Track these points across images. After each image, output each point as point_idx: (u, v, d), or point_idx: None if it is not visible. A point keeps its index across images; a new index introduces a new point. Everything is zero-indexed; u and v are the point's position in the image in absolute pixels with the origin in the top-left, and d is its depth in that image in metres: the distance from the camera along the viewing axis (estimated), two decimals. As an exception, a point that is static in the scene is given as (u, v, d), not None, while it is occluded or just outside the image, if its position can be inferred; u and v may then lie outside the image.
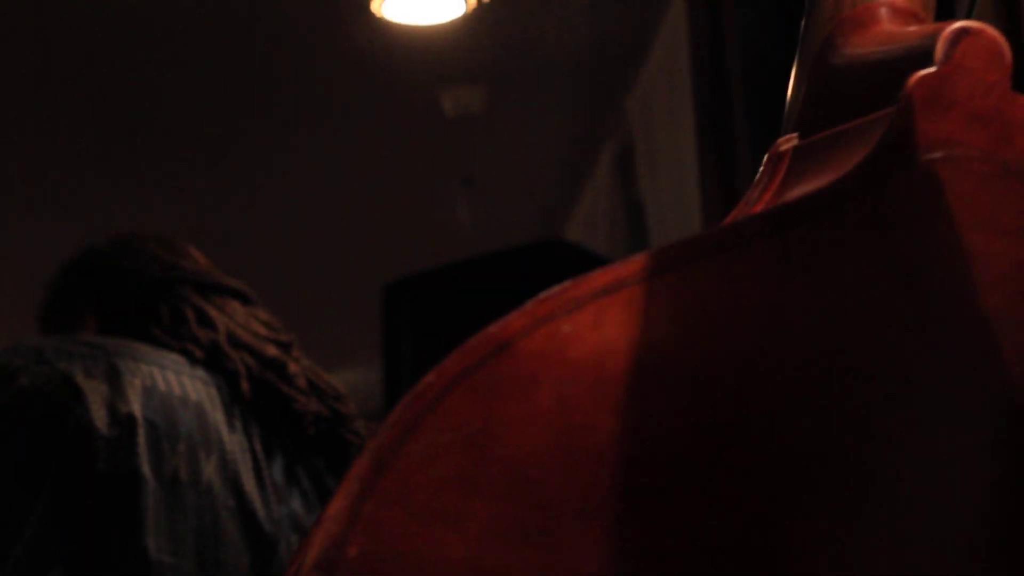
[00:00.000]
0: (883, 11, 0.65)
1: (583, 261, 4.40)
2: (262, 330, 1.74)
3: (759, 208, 0.63)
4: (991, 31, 0.57)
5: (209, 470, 1.52)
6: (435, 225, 5.67)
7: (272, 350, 1.69)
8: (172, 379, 1.56)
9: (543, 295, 0.54)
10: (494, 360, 0.53)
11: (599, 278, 0.54)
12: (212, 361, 1.64)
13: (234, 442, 1.56)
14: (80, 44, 4.54)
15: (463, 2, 3.59)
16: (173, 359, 1.60)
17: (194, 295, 1.74)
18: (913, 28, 0.63)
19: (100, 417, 1.44)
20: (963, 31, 0.57)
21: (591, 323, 0.54)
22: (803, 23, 0.68)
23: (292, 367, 1.68)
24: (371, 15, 3.57)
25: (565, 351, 0.53)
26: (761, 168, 0.64)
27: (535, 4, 4.34)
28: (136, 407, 1.47)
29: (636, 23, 4.56)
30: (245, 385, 1.62)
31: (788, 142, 0.65)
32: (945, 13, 0.88)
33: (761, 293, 0.54)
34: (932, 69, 0.57)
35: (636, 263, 0.54)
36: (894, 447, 0.55)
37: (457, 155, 5.28)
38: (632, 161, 5.04)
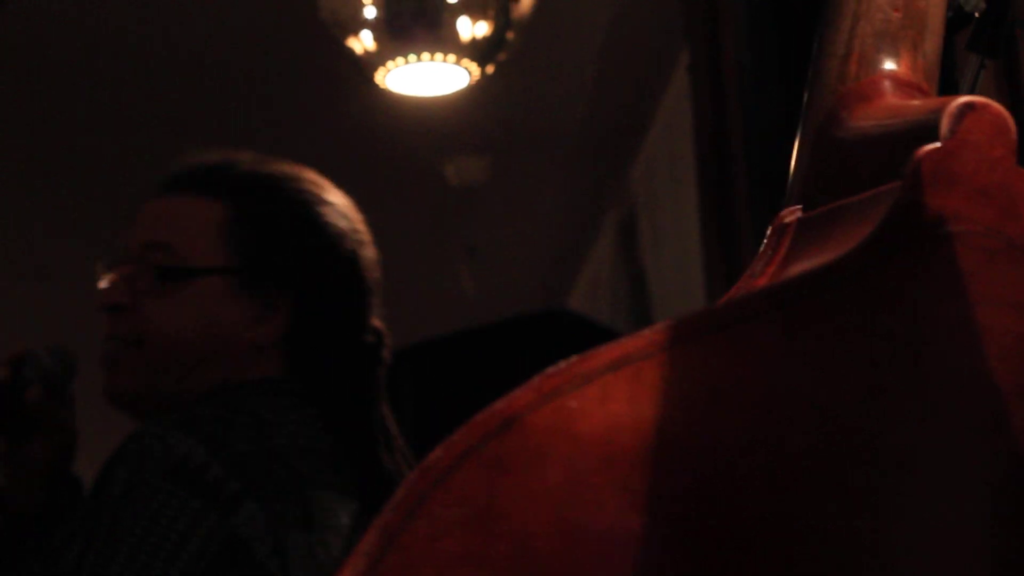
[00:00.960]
0: (887, 84, 0.66)
1: (586, 331, 4.41)
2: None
3: (763, 281, 0.63)
4: (996, 106, 0.58)
5: None
6: (438, 294, 5.67)
7: None
8: (347, 520, 1.44)
9: (550, 370, 0.54)
10: (501, 435, 0.53)
11: (605, 354, 0.54)
12: None
13: None
14: (79, 113, 4.57)
15: (466, 73, 3.61)
16: (354, 496, 1.47)
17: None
18: (917, 102, 0.64)
19: None
20: (968, 106, 0.57)
21: (598, 399, 0.54)
22: (805, 95, 0.68)
23: None
24: (375, 86, 3.59)
25: (572, 426, 0.53)
26: (765, 240, 0.64)
27: (538, 75, 4.37)
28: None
29: (638, 94, 4.59)
30: None
31: (792, 214, 0.65)
32: (949, 88, 0.88)
33: (765, 369, 0.54)
34: (937, 144, 0.57)
35: (642, 338, 0.54)
36: (899, 523, 0.54)
37: (460, 225, 5.30)
38: (635, 231, 5.05)
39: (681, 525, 0.53)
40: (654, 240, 4.77)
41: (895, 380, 0.54)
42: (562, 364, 0.54)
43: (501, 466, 0.53)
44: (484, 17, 3.53)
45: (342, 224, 1.62)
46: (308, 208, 1.61)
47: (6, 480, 1.64)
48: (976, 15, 0.80)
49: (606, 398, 0.54)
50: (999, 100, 0.94)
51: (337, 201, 1.64)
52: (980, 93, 0.90)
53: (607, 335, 4.50)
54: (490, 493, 0.53)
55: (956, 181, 0.56)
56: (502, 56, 3.59)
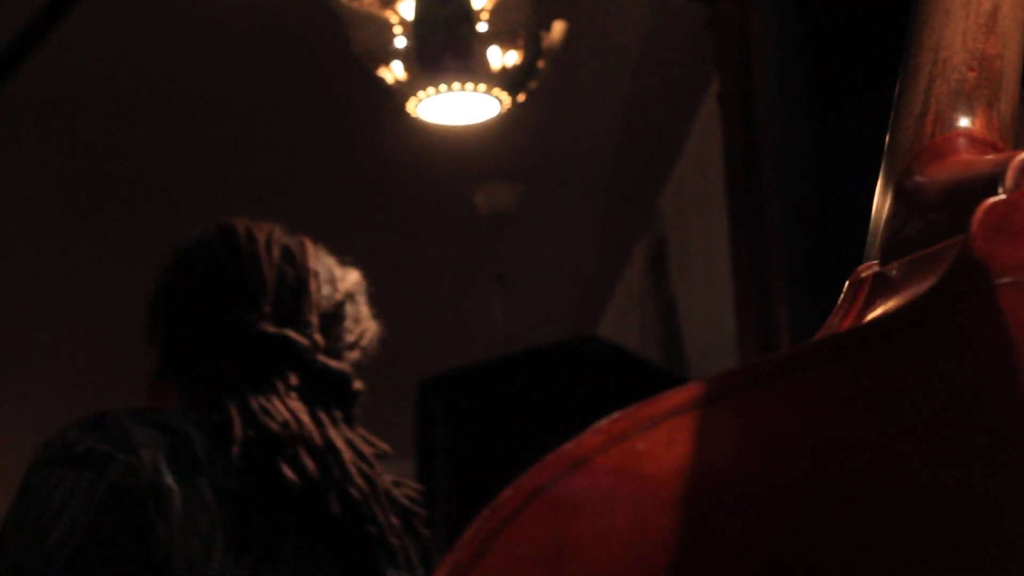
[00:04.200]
0: (961, 142, 0.67)
1: (615, 359, 4.41)
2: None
3: (838, 335, 0.65)
4: (1062, 159, 0.59)
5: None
6: (468, 322, 5.69)
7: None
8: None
9: (617, 414, 0.55)
10: (570, 476, 0.54)
11: (673, 398, 0.55)
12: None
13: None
14: (115, 150, 4.61)
15: (497, 102, 3.63)
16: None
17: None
18: (989, 157, 0.65)
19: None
20: (1034, 159, 0.59)
21: (665, 441, 0.55)
22: (884, 154, 0.70)
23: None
24: (406, 116, 3.61)
25: (640, 468, 0.54)
26: (842, 295, 0.66)
27: (568, 104, 4.39)
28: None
29: (668, 122, 4.61)
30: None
31: (868, 269, 0.67)
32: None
33: (829, 415, 0.55)
34: (1002, 196, 0.58)
35: (709, 383, 0.56)
36: (961, 569, 0.55)
37: (490, 253, 5.31)
38: (664, 259, 5.06)
39: (744, 566, 0.54)
40: (684, 268, 4.78)
41: (957, 427, 0.55)
42: (630, 408, 0.55)
43: (570, 506, 0.54)
44: (514, 46, 3.55)
45: (197, 259, 1.70)
46: (171, 262, 1.72)
47: None
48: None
49: (672, 441, 0.55)
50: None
51: (214, 237, 1.71)
52: (1020, 128, 0.91)
53: (637, 363, 4.50)
54: (559, 533, 0.54)
55: (1020, 232, 0.57)
56: (533, 85, 3.61)
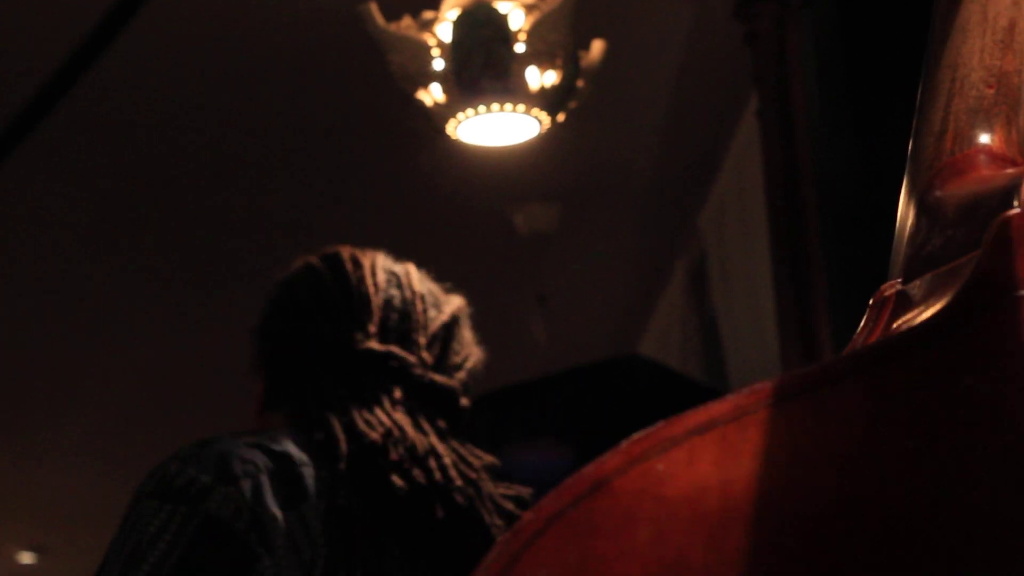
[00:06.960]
0: (981, 158, 0.67)
1: (657, 377, 4.40)
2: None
3: (864, 354, 0.64)
4: (1077, 172, 0.58)
5: None
6: (509, 343, 5.68)
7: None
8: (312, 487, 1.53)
9: (637, 435, 0.55)
10: (591, 498, 0.54)
11: (692, 418, 0.55)
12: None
13: None
14: (160, 175, 4.64)
15: (536, 123, 3.62)
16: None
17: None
18: (1007, 172, 0.65)
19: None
20: (1049, 172, 0.58)
21: (685, 461, 0.55)
22: (906, 172, 0.70)
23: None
24: (446, 137, 3.61)
25: (660, 489, 0.54)
26: (866, 314, 0.66)
27: (607, 122, 4.39)
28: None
29: (707, 140, 4.60)
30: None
31: (891, 287, 0.66)
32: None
33: (851, 431, 0.55)
34: (1017, 209, 0.58)
35: (728, 403, 0.56)
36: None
37: (531, 273, 5.32)
38: (705, 276, 5.05)
39: (769, 583, 0.54)
40: (724, 285, 4.77)
41: (978, 439, 0.55)
42: (649, 428, 0.55)
43: (591, 528, 0.54)
44: (553, 66, 3.54)
45: (306, 284, 1.75)
46: (277, 290, 1.78)
47: None
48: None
49: (692, 461, 0.55)
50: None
51: (321, 263, 1.77)
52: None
53: (678, 381, 4.49)
54: (581, 554, 0.54)
55: (1036, 244, 0.57)
56: (572, 104, 3.60)
